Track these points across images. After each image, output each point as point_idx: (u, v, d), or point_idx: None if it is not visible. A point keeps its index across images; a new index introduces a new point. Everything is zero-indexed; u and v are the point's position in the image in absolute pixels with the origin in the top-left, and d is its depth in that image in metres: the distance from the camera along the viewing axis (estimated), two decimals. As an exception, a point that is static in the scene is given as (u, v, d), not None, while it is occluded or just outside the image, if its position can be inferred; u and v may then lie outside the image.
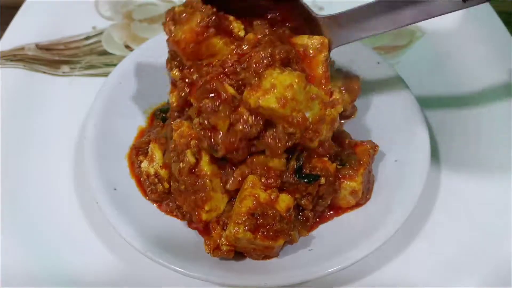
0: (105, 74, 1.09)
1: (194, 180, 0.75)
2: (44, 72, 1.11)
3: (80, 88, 1.08)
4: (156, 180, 0.83)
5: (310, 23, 0.80)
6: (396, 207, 0.79)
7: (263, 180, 0.75)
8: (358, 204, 0.83)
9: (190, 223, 0.83)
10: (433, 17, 0.70)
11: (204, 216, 0.76)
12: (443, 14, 0.69)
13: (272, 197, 0.74)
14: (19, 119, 1.02)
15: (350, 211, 0.83)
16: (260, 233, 0.71)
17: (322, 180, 0.76)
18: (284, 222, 0.72)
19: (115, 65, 1.04)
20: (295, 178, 0.76)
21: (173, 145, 0.79)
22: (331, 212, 0.83)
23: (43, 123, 1.01)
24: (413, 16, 0.72)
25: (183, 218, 0.83)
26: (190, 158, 0.75)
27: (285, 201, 0.74)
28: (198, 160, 0.76)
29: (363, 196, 0.82)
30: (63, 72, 1.12)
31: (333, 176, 0.78)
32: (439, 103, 1.02)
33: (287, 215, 0.74)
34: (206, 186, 0.75)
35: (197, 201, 0.76)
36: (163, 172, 0.82)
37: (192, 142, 0.76)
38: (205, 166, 0.76)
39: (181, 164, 0.76)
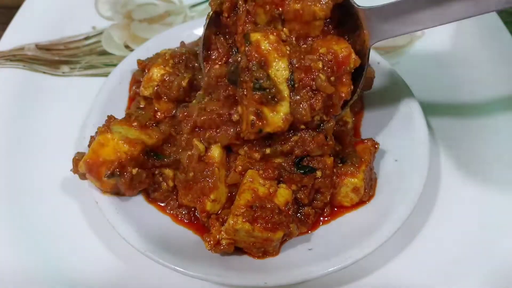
0: (105, 74, 1.09)
1: (203, 167, 0.77)
2: (44, 72, 1.11)
3: (80, 88, 1.08)
4: (160, 178, 0.83)
5: (350, 16, 0.75)
6: (396, 207, 0.79)
7: (261, 172, 0.75)
8: (361, 202, 0.83)
9: (190, 224, 0.83)
10: (488, 11, 0.63)
11: (209, 206, 0.77)
12: (499, 9, 0.63)
13: (271, 191, 0.74)
14: (19, 119, 1.02)
15: (351, 211, 0.83)
16: (258, 225, 0.71)
17: (318, 174, 0.77)
18: (282, 215, 0.73)
19: (115, 65, 1.04)
20: (291, 167, 0.77)
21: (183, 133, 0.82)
22: (335, 209, 0.83)
23: (43, 123, 1.02)
24: (464, 10, 0.64)
25: (183, 216, 0.83)
26: (199, 145, 0.78)
27: (283, 195, 0.75)
28: (207, 149, 0.78)
29: (365, 193, 0.82)
30: (63, 72, 1.12)
31: (330, 169, 0.78)
32: (439, 103, 1.02)
33: (286, 208, 0.74)
34: (214, 174, 0.77)
35: (204, 189, 0.77)
36: (167, 171, 0.83)
37: (207, 134, 0.78)
38: (216, 151, 0.78)
39: (190, 151, 0.79)
